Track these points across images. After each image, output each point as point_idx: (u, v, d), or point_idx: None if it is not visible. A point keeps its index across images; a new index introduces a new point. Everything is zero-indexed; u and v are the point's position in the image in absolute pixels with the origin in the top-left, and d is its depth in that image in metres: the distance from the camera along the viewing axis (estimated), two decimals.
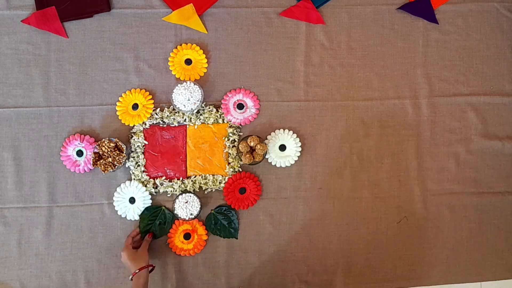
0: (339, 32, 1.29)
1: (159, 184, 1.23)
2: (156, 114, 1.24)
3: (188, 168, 1.24)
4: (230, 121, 1.24)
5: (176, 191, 1.23)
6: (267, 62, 1.27)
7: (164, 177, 1.24)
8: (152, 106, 1.24)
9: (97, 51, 1.25)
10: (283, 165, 1.24)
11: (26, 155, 1.23)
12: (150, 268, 1.13)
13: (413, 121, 1.29)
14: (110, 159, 1.17)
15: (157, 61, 1.26)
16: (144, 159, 1.23)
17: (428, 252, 1.27)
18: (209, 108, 1.24)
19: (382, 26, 1.30)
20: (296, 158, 1.24)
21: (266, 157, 1.24)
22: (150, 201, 1.23)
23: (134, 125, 1.24)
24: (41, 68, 1.24)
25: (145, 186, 1.23)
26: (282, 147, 1.24)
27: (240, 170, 1.24)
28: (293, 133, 1.25)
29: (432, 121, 1.29)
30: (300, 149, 1.25)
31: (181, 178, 1.24)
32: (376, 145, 1.28)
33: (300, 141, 1.25)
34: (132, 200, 1.22)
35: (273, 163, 1.25)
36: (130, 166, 1.23)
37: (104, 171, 1.17)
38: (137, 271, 1.09)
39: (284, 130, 1.25)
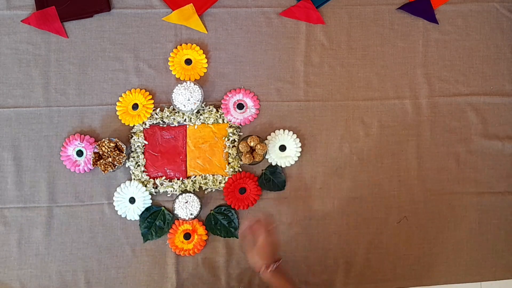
0: (339, 32, 1.29)
1: (159, 184, 1.23)
2: (156, 114, 1.24)
3: (188, 168, 1.24)
4: (230, 121, 1.24)
5: (176, 191, 1.23)
6: (267, 62, 1.27)
7: (164, 177, 1.24)
8: (152, 106, 1.24)
9: (97, 51, 1.25)
10: (283, 165, 1.24)
11: (26, 155, 1.23)
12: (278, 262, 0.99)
13: (413, 121, 1.29)
14: (110, 159, 1.17)
15: (157, 61, 1.26)
16: (144, 159, 1.23)
17: (428, 252, 1.27)
18: (209, 108, 1.24)
19: (382, 26, 1.30)
20: (296, 159, 1.24)
21: (266, 157, 1.24)
22: (150, 201, 1.23)
23: (134, 125, 1.24)
24: (41, 68, 1.24)
25: (145, 186, 1.23)
26: (282, 148, 1.24)
27: (240, 170, 1.24)
28: (293, 133, 1.25)
29: (432, 121, 1.29)
30: (300, 149, 1.25)
31: (181, 178, 1.24)
32: (376, 145, 1.28)
33: (300, 141, 1.25)
34: (132, 200, 1.22)
35: (273, 163, 1.25)
36: (130, 166, 1.23)
37: (104, 171, 1.17)
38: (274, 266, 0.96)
39: (284, 130, 1.25)
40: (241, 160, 1.22)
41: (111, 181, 1.23)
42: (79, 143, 1.22)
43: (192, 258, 1.24)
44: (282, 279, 0.96)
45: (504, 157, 1.30)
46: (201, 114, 1.24)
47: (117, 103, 1.24)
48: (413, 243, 1.27)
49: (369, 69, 1.29)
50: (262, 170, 1.24)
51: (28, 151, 1.23)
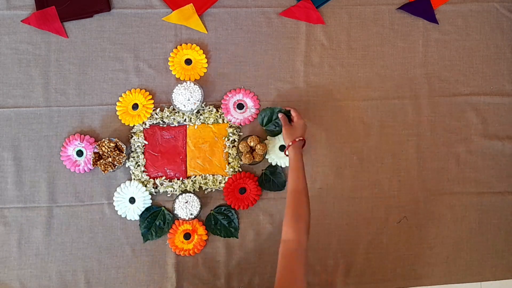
0: (339, 32, 1.29)
1: (159, 184, 1.23)
2: (156, 114, 1.24)
3: (188, 168, 1.24)
4: (230, 121, 1.24)
5: (176, 191, 1.23)
6: (267, 62, 1.27)
7: (164, 177, 1.24)
8: (152, 106, 1.24)
9: (97, 51, 1.25)
10: (283, 165, 1.24)
11: (26, 155, 1.23)
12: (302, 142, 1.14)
13: (413, 121, 1.29)
14: (110, 159, 1.17)
15: (157, 61, 1.26)
16: (144, 159, 1.23)
17: (428, 252, 1.27)
18: (209, 108, 1.24)
19: (382, 26, 1.30)
20: None
21: (266, 157, 1.24)
22: (150, 201, 1.23)
23: (134, 125, 1.24)
24: (41, 68, 1.24)
25: (145, 186, 1.23)
26: (282, 147, 1.24)
27: (240, 170, 1.24)
28: None
29: (432, 121, 1.29)
30: None
31: (181, 178, 1.24)
32: (376, 145, 1.28)
33: None
34: (132, 200, 1.22)
35: (273, 163, 1.25)
36: (130, 166, 1.23)
37: (104, 171, 1.17)
38: (290, 143, 1.11)
39: None
40: (241, 160, 1.22)
41: (111, 181, 1.23)
42: (79, 143, 1.22)
43: (192, 258, 1.24)
44: (301, 157, 1.10)
45: (504, 157, 1.30)
46: (201, 114, 1.24)
47: (117, 103, 1.24)
48: (413, 243, 1.27)
49: (369, 69, 1.29)
50: (262, 170, 1.24)
51: (28, 151, 1.23)
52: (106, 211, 1.23)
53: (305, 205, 1.02)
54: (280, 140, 1.24)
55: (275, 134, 1.24)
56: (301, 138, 1.12)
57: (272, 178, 1.24)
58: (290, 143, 1.11)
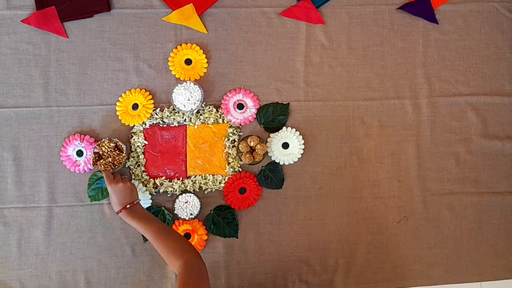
0: (339, 32, 1.29)
1: (159, 184, 1.23)
2: (156, 114, 1.24)
3: (188, 168, 1.24)
4: (230, 121, 1.24)
5: (176, 191, 1.23)
6: (267, 62, 1.27)
7: (164, 177, 1.24)
8: (152, 106, 1.24)
9: (97, 51, 1.25)
10: (286, 163, 1.24)
11: (26, 155, 1.23)
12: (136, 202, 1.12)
13: (413, 121, 1.29)
14: (110, 159, 1.17)
15: (157, 61, 1.26)
16: (144, 159, 1.23)
17: (428, 252, 1.27)
18: (209, 108, 1.24)
19: (382, 26, 1.30)
20: (300, 156, 1.24)
21: (270, 155, 1.24)
22: (150, 201, 1.23)
23: (134, 125, 1.24)
24: (41, 68, 1.24)
25: (145, 186, 1.23)
26: (285, 145, 1.24)
27: (240, 170, 1.24)
28: (296, 130, 1.25)
29: (432, 121, 1.29)
30: (303, 146, 1.25)
31: (181, 178, 1.24)
32: (376, 145, 1.28)
33: (302, 138, 1.25)
34: None
35: (276, 161, 1.24)
36: (130, 166, 1.23)
37: (104, 171, 1.17)
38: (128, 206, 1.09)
39: (287, 128, 1.25)
40: (241, 160, 1.22)
41: None
42: (79, 143, 1.22)
43: None
44: (136, 217, 1.07)
45: (504, 157, 1.30)
46: (201, 114, 1.24)
47: (117, 103, 1.24)
48: (413, 243, 1.27)
49: (369, 69, 1.29)
50: (262, 166, 1.25)
51: (28, 151, 1.23)
52: (106, 211, 1.23)
53: (180, 237, 1.04)
54: (282, 136, 1.24)
55: (275, 130, 1.24)
56: (132, 204, 1.09)
57: (271, 175, 1.24)
58: (121, 210, 1.08)
